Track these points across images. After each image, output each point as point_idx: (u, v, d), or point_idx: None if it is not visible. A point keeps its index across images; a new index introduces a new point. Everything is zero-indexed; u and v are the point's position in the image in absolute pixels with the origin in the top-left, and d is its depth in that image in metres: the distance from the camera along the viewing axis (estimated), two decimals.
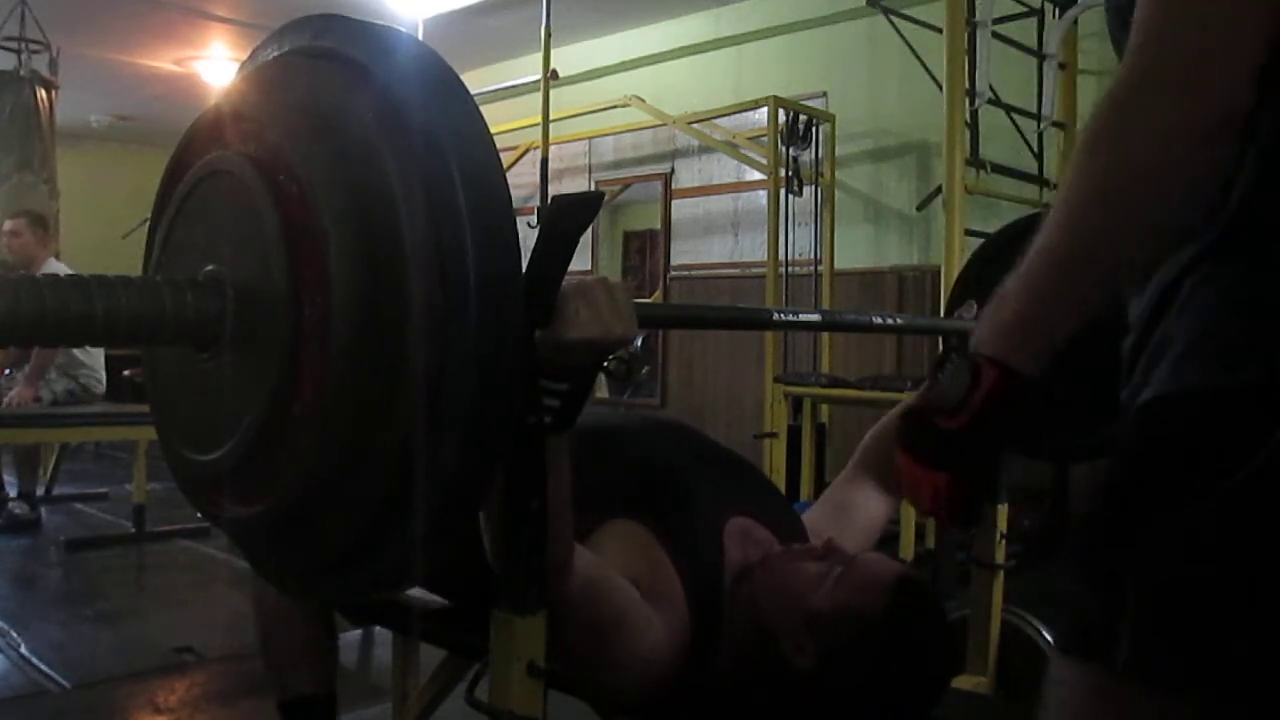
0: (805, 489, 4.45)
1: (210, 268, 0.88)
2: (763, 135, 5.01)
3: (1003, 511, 2.03)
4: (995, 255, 2.02)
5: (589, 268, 6.46)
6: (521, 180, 6.71)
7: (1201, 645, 0.68)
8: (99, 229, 7.20)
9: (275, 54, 0.90)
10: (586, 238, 6.90)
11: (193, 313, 0.85)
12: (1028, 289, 0.75)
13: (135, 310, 0.86)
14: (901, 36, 4.24)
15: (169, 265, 0.96)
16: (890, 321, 1.58)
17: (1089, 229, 0.72)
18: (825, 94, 5.34)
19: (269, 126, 0.83)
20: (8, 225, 4.60)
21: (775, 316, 1.30)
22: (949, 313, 1.72)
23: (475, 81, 6.80)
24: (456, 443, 0.76)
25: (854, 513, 1.62)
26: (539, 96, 5.05)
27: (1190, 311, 0.73)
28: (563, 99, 5.59)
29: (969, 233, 3.67)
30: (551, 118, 5.06)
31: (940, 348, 1.70)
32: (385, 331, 0.74)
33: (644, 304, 1.06)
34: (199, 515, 0.94)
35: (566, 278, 0.95)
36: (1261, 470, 0.66)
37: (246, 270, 0.84)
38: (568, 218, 0.98)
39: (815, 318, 1.35)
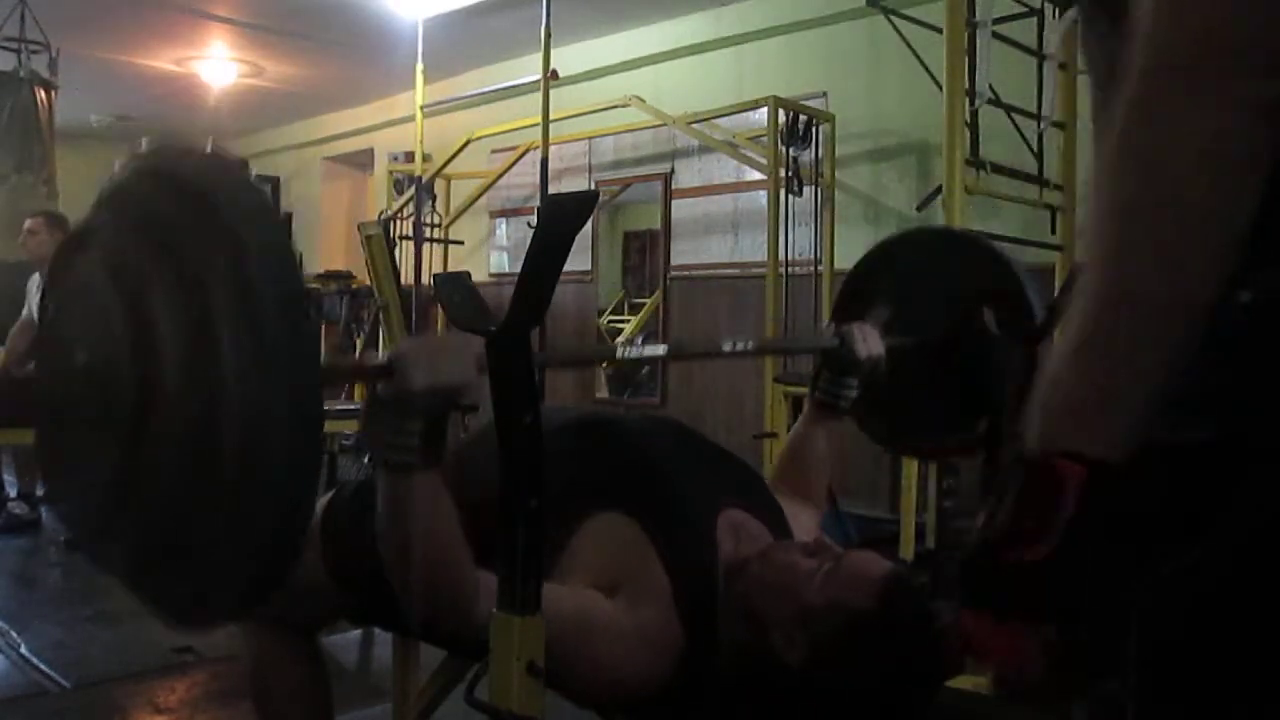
0: None
1: (84, 358, 0.99)
2: (763, 135, 5.01)
3: None
4: (874, 267, 1.95)
5: (589, 268, 6.47)
6: (522, 180, 6.71)
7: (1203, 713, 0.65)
8: None
9: (124, 176, 1.03)
10: (586, 238, 6.93)
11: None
12: (1093, 358, 0.61)
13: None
14: (901, 36, 4.24)
15: (52, 357, 1.08)
16: (741, 347, 1.60)
17: (1147, 269, 0.59)
18: (825, 94, 5.34)
19: (118, 239, 0.96)
20: (27, 224, 4.63)
21: (619, 353, 1.42)
22: (838, 323, 1.75)
23: (475, 81, 6.83)
24: (280, 466, 0.87)
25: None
26: (539, 96, 5.05)
27: None
28: (563, 99, 5.59)
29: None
30: (551, 118, 5.06)
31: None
32: (205, 397, 0.86)
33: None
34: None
35: (408, 338, 1.06)
36: (1229, 532, 0.62)
37: (105, 356, 0.95)
38: (563, 217, 0.99)
39: (660, 351, 1.45)
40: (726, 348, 1.56)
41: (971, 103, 3.65)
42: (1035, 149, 4.16)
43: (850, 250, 5.17)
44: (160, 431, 0.87)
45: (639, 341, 6.84)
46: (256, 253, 0.86)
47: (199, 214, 0.88)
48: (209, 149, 1.05)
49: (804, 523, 1.60)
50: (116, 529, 0.94)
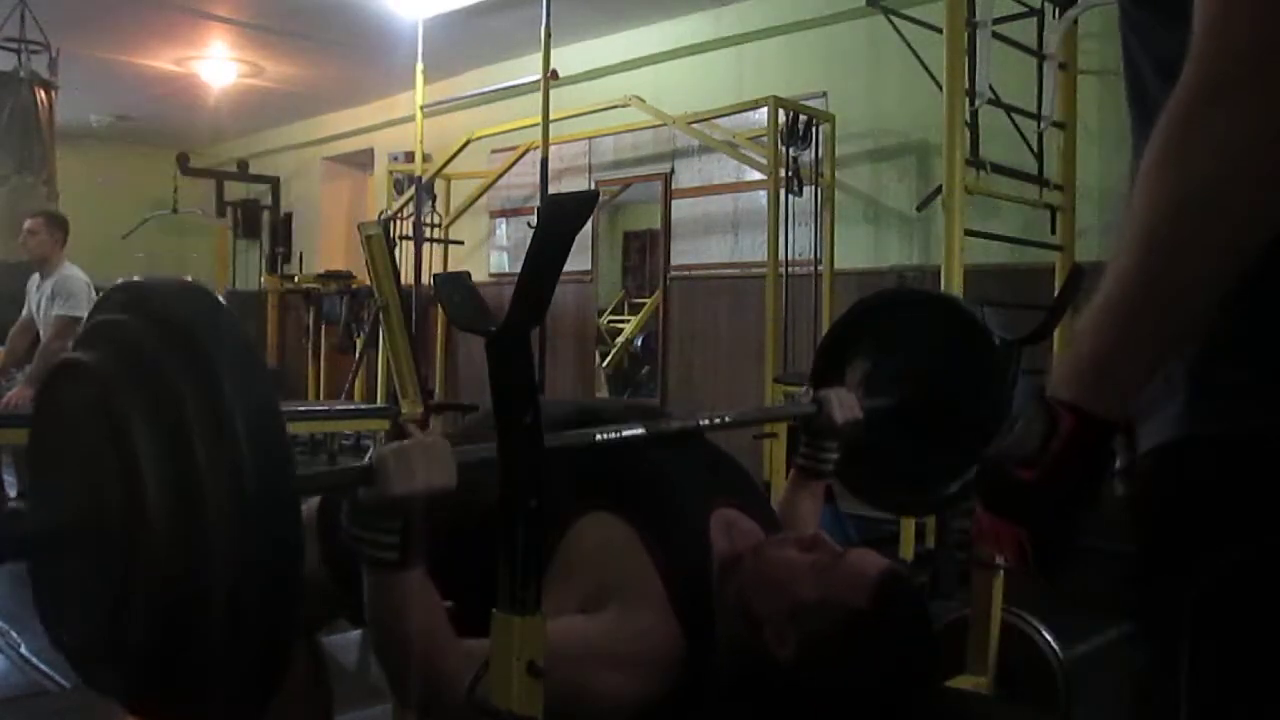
0: None
1: (73, 494, 1.01)
2: (763, 135, 5.01)
3: None
4: (855, 325, 2.01)
5: (589, 268, 6.47)
6: (522, 180, 6.71)
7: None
8: (99, 229, 7.20)
9: (107, 315, 1.06)
10: (586, 238, 6.91)
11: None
12: (1102, 325, 0.71)
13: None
14: (901, 36, 4.25)
15: (43, 490, 1.11)
16: (720, 420, 1.62)
17: (1160, 256, 0.68)
18: (825, 94, 5.34)
19: (107, 380, 0.98)
20: (27, 224, 4.63)
21: (597, 437, 1.39)
22: (816, 385, 1.77)
23: (475, 81, 6.83)
24: (261, 602, 0.91)
25: None
26: (539, 96, 5.05)
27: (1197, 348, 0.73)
28: (563, 99, 5.59)
29: (969, 233, 3.66)
30: (551, 118, 5.06)
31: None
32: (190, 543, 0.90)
33: (462, 449, 1.17)
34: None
35: (390, 444, 1.12)
36: None
37: (93, 494, 0.98)
38: (563, 217, 0.99)
39: (639, 431, 1.43)
40: (704, 422, 1.58)
41: (971, 103, 3.65)
42: (1035, 149, 4.17)
43: (850, 250, 5.20)
44: (147, 566, 0.90)
45: (637, 344, 6.85)
46: (234, 383, 0.90)
47: (180, 348, 0.92)
48: (189, 280, 1.11)
49: None
50: (112, 657, 0.97)
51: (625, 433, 1.41)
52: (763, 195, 5.15)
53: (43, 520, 1.03)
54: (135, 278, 1.08)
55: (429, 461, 1.10)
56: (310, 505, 1.49)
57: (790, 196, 4.99)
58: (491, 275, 7.17)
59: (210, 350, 0.91)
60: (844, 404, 1.67)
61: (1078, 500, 0.76)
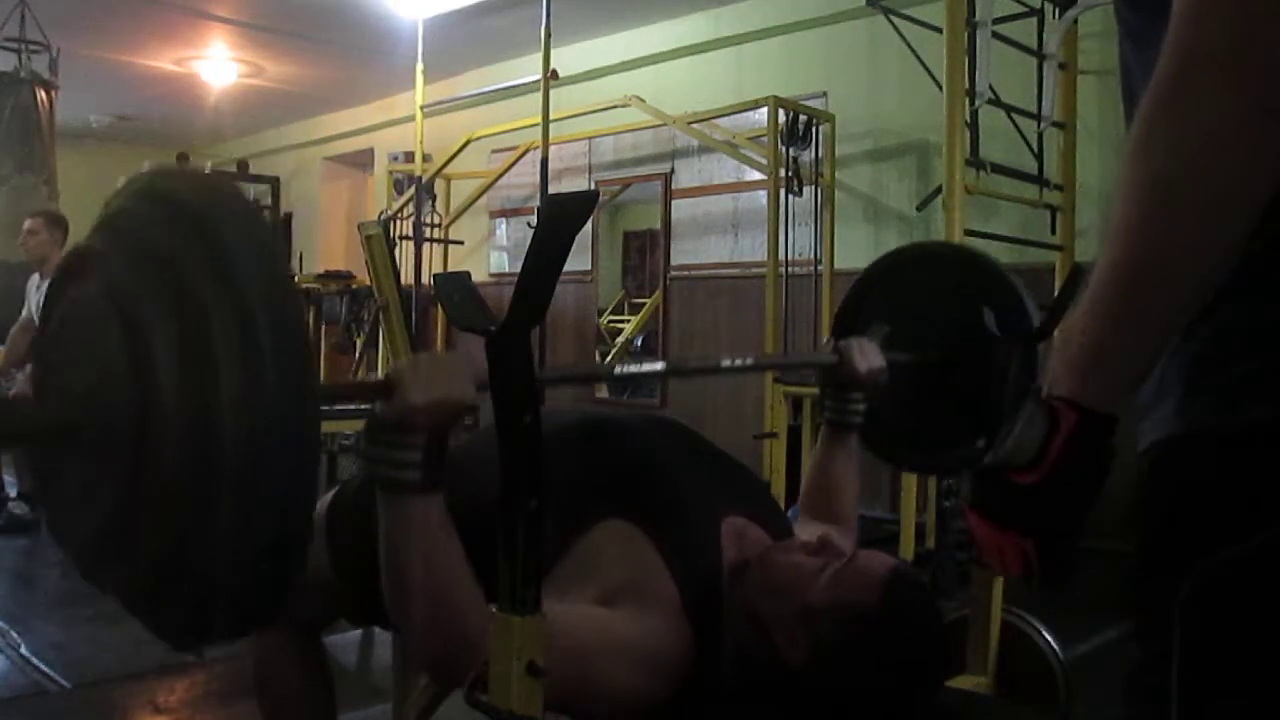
0: None
1: (82, 384, 0.98)
2: (763, 135, 5.01)
3: None
4: (873, 284, 2.00)
5: (589, 268, 6.47)
6: (521, 180, 6.72)
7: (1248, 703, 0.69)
8: None
9: (125, 199, 1.03)
10: (586, 238, 6.90)
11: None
12: (1095, 317, 0.70)
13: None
14: (901, 36, 4.25)
15: (50, 382, 1.07)
16: (740, 363, 1.58)
17: (1150, 241, 0.67)
18: (825, 94, 5.34)
19: (116, 262, 0.95)
20: (27, 224, 4.63)
21: (617, 370, 1.37)
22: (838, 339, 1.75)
23: (475, 81, 6.84)
24: (274, 506, 0.88)
25: None
26: (539, 96, 5.05)
27: (1191, 344, 0.72)
28: (563, 99, 5.59)
29: (969, 233, 3.66)
30: (551, 118, 5.06)
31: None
32: (205, 438, 0.86)
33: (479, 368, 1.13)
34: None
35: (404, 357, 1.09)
36: None
37: (103, 382, 0.95)
38: (563, 217, 1.00)
39: (659, 366, 1.43)
40: (725, 363, 1.54)
41: (971, 103, 3.65)
42: (1035, 149, 4.16)
43: (850, 250, 5.19)
44: (159, 458, 0.87)
45: (637, 344, 6.84)
46: (253, 277, 0.87)
47: (196, 238, 0.89)
48: (207, 170, 1.05)
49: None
50: (117, 555, 0.94)
51: (645, 367, 1.43)
52: (763, 195, 5.15)
53: (51, 408, 1.00)
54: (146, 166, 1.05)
55: (446, 372, 1.07)
56: (320, 505, 1.50)
57: (790, 196, 4.98)
58: (491, 275, 7.18)
59: (234, 248, 0.87)
60: (865, 352, 1.65)
61: (1084, 500, 0.74)
